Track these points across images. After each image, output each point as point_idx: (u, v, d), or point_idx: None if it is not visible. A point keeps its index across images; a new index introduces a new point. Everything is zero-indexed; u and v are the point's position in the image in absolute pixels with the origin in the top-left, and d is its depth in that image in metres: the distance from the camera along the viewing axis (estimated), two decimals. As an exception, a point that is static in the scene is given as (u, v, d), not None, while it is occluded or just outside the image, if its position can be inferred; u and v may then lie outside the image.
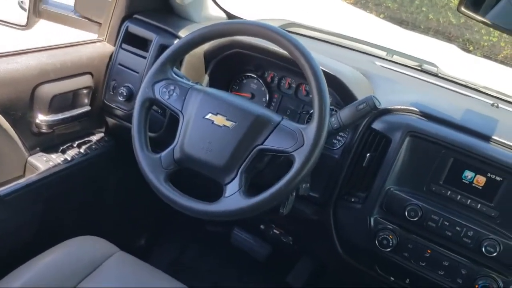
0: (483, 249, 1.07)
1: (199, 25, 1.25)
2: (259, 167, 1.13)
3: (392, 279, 1.20)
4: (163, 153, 1.10)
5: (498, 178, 1.08)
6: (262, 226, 1.48)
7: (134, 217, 1.87)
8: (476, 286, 1.08)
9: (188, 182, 1.21)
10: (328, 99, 1.00)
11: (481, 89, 1.55)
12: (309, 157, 0.99)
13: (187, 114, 1.10)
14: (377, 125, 1.18)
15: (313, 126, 1.00)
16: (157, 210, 1.93)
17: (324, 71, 1.04)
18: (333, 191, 1.23)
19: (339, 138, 1.29)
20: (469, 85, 1.57)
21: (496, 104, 1.41)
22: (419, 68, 1.62)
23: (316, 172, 1.17)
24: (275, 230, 1.46)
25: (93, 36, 1.53)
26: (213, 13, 1.64)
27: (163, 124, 1.38)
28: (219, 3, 1.68)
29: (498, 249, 1.06)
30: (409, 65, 1.65)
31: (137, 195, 1.73)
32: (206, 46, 1.31)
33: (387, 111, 1.19)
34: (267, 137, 1.04)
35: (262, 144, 1.04)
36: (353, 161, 1.20)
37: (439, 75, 1.59)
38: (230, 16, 1.68)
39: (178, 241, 2.01)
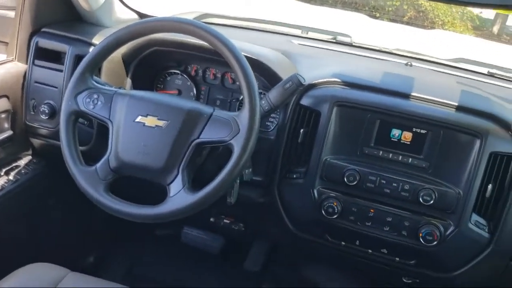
0: (421, 199, 1.14)
1: (112, 29, 1.22)
2: (199, 161, 1.13)
3: (343, 243, 1.25)
4: (98, 164, 1.08)
5: (422, 131, 1.15)
6: (212, 219, 1.49)
7: (80, 235, 1.81)
8: (420, 234, 1.16)
9: (131, 190, 1.19)
10: (255, 84, 1.02)
11: (393, 51, 1.64)
12: (247, 142, 1.00)
13: (116, 121, 1.08)
14: (305, 101, 1.22)
15: (245, 112, 1.01)
16: (103, 224, 1.88)
17: (246, 57, 1.05)
18: (274, 172, 1.26)
19: (272, 119, 1.32)
20: (382, 49, 1.65)
21: (409, 63, 1.50)
22: (334, 41, 1.68)
23: (256, 156, 1.19)
24: (225, 220, 1.47)
25: (1, 57, 1.45)
26: (124, 16, 1.60)
27: (92, 135, 1.35)
28: (128, 4, 1.65)
29: (433, 197, 1.13)
30: (324, 39, 1.71)
31: (79, 212, 1.67)
32: (123, 49, 1.28)
33: (312, 86, 1.23)
34: (202, 130, 1.04)
35: (198, 138, 1.04)
36: (288, 139, 1.23)
37: (353, 44, 1.66)
38: (142, 16, 1.65)
39: (129, 251, 1.97)
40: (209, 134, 1.04)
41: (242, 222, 1.46)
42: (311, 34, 1.76)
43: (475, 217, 1.15)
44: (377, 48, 1.67)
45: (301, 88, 1.10)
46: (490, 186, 1.12)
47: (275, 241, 1.75)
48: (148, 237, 2.00)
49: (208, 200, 1.01)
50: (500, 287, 1.25)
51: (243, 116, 1.01)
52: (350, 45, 1.67)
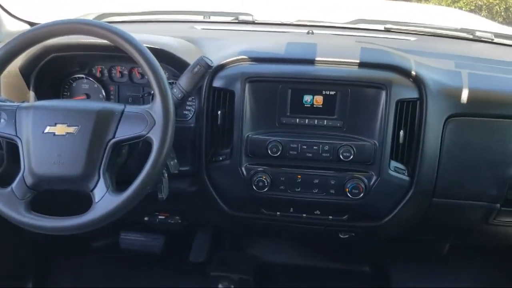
0: (341, 156, 1.19)
1: (2, 43, 1.16)
2: (121, 161, 1.11)
3: (278, 213, 1.29)
4: (14, 184, 1.03)
5: (332, 93, 1.20)
6: (146, 218, 1.47)
7: (12, 263, 1.72)
8: (346, 189, 1.21)
9: (57, 204, 1.15)
10: (162, 72, 1.01)
11: (295, 23, 1.68)
12: (165, 133, 0.99)
13: (24, 136, 1.03)
14: (217, 83, 1.23)
15: (157, 102, 1.00)
16: (35, 247, 1.79)
17: (149, 48, 1.04)
18: (200, 158, 1.26)
19: (189, 107, 1.32)
20: (284, 22, 1.69)
21: (311, 32, 1.55)
22: (237, 21, 1.70)
23: (180, 146, 1.19)
24: (160, 216, 1.46)
25: None
26: (15, 28, 1.52)
27: (3, 157, 1.27)
28: (17, 15, 1.56)
29: (352, 152, 1.19)
30: (226, 21, 1.73)
31: (4, 239, 1.59)
32: (19, 61, 1.22)
33: (221, 67, 1.24)
34: (116, 129, 1.02)
35: (113, 137, 1.02)
36: (208, 123, 1.24)
37: (256, 22, 1.69)
38: (33, 24, 1.57)
39: (68, 270, 1.90)
40: (125, 131, 1.02)
41: (178, 215, 1.45)
42: (213, 18, 1.77)
43: (393, 163, 1.22)
44: (279, 22, 1.72)
45: (210, 70, 1.11)
46: (402, 133, 1.19)
47: (215, 227, 1.76)
48: (85, 251, 1.94)
49: (136, 199, 0.99)
50: (424, 221, 1.34)
51: (156, 107, 1.00)
52: (252, 23, 1.69)
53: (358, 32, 1.65)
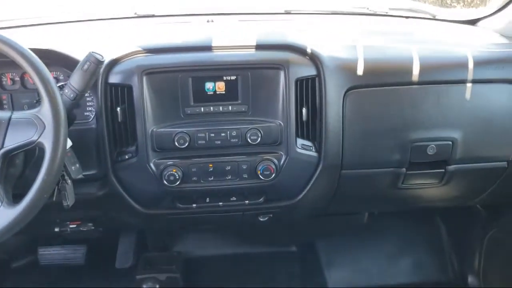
0: (249, 140, 1.19)
1: None
2: (16, 172, 1.04)
3: (195, 205, 1.27)
4: None
5: (233, 78, 1.20)
6: (56, 229, 1.39)
7: None
8: (259, 172, 1.22)
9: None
10: (46, 72, 0.96)
11: (195, 12, 1.66)
12: (56, 136, 0.94)
13: None
14: (113, 79, 1.18)
15: (45, 104, 0.95)
16: None
17: (35, 49, 0.99)
18: (106, 159, 1.21)
19: (90, 108, 1.25)
20: (184, 13, 1.67)
21: (211, 20, 1.53)
22: (136, 15, 1.65)
23: (83, 150, 1.15)
24: (71, 226, 1.39)
25: None
26: None
27: None
28: None
29: (260, 135, 1.19)
30: (124, 16, 1.67)
31: None
32: None
33: (115, 62, 1.19)
34: (4, 138, 0.96)
35: (2, 147, 0.96)
36: (109, 122, 1.19)
37: (155, 15, 1.65)
38: None
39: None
40: (14, 139, 0.96)
41: (90, 221, 1.39)
42: (110, 15, 1.71)
43: (300, 141, 1.24)
44: (179, 14, 1.69)
45: (101, 66, 1.06)
46: (304, 110, 1.22)
47: (134, 229, 1.71)
48: (5, 273, 1.82)
49: (34, 209, 0.94)
50: (338, 194, 1.38)
51: (45, 110, 0.95)
52: (152, 16, 1.65)
53: (258, 16, 1.66)
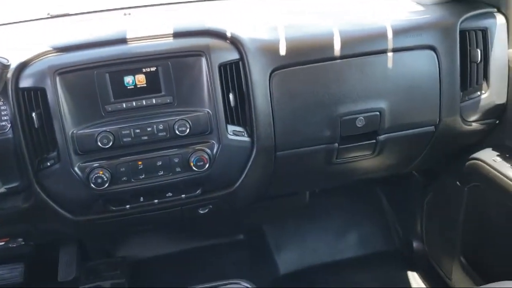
0: (178, 132, 1.15)
1: None
2: None
3: (128, 206, 1.22)
4: None
5: (153, 69, 1.15)
6: None
7: None
8: (192, 164, 1.18)
9: None
10: None
11: (110, 8, 1.59)
12: None
13: None
14: (23, 83, 1.11)
15: None
16: None
17: None
18: (27, 169, 1.14)
19: (4, 118, 1.16)
20: (97, 10, 1.59)
21: (128, 13, 1.47)
22: (49, 16, 1.56)
23: (2, 162, 1.09)
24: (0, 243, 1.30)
25: None
26: None
27: None
28: None
29: (188, 126, 1.16)
30: (38, 17, 1.58)
31: None
32: None
33: (24, 65, 1.11)
34: None
35: None
36: (25, 130, 1.11)
37: (70, 13, 1.57)
38: None
39: None
40: None
41: (20, 236, 1.31)
42: (21, 17, 1.61)
43: (231, 128, 1.21)
44: (96, 10, 1.61)
45: (7, 70, 0.99)
46: (231, 96, 1.19)
47: (72, 239, 1.64)
48: None
49: None
50: (276, 176, 1.37)
51: None
52: (67, 15, 1.57)
53: (179, 6, 1.62)
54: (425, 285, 1.83)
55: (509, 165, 1.33)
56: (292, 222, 2.00)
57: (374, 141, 1.34)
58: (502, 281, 1.14)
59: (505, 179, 1.30)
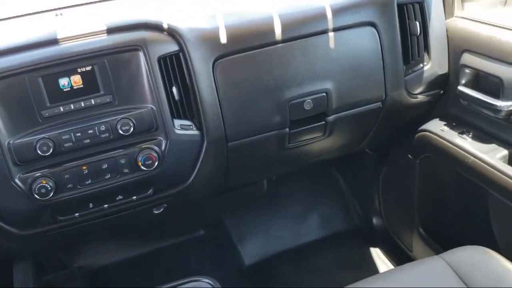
0: (121, 131, 1.11)
1: None
2: None
3: (77, 214, 1.17)
4: None
5: (88, 69, 1.09)
6: None
7: None
8: (140, 163, 1.14)
9: None
10: None
11: (40, 10, 1.51)
12: None
13: None
14: None
15: None
16: None
17: None
18: None
19: None
20: (27, 13, 1.51)
21: (59, 14, 1.40)
22: None
23: None
24: None
25: None
26: None
27: None
28: None
29: (132, 124, 1.11)
30: None
31: None
32: None
33: None
34: None
35: None
36: None
37: None
38: None
39: None
40: None
41: None
42: None
43: (178, 122, 1.18)
44: (26, 13, 1.52)
45: None
46: (175, 89, 1.16)
47: (25, 255, 1.56)
48: None
49: None
50: (231, 167, 1.35)
51: None
52: None
53: (112, 2, 1.55)
54: (388, 260, 1.86)
55: (456, 133, 1.36)
56: (253, 212, 1.99)
57: (324, 122, 1.33)
58: (459, 247, 1.16)
59: (453, 147, 1.32)
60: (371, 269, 1.82)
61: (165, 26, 1.15)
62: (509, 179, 1.16)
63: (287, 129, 1.30)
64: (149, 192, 1.22)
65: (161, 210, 1.30)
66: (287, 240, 1.94)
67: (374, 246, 1.94)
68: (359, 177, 2.01)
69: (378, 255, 1.90)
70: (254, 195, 1.98)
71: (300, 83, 1.25)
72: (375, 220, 1.96)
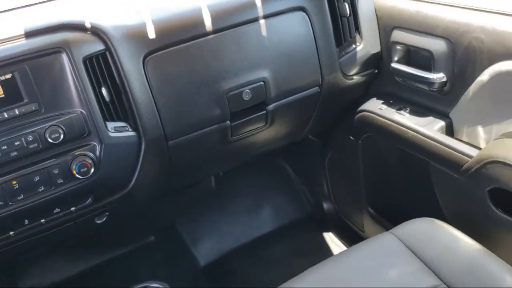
0: (51, 140, 1.04)
1: None
2: None
3: (12, 233, 1.09)
4: None
5: (8, 76, 1.02)
6: None
7: None
8: (74, 172, 1.08)
9: None
10: None
11: None
12: None
13: None
14: None
15: None
16: None
17: None
18: None
19: None
20: None
21: None
22: None
23: None
24: None
25: None
26: None
27: None
28: None
29: (62, 131, 1.05)
30: None
31: None
32: None
33: None
34: None
35: None
36: None
37: None
38: None
39: None
40: None
41: None
42: None
43: (111, 124, 1.12)
44: None
45: None
46: (104, 90, 1.10)
47: None
48: None
49: None
50: (175, 167, 1.30)
51: None
52: None
53: (32, 6, 1.46)
54: (342, 242, 1.88)
55: (394, 110, 1.38)
56: (203, 212, 1.95)
57: (265, 112, 1.32)
58: (408, 221, 1.18)
59: (392, 124, 1.34)
60: (326, 253, 1.83)
61: (87, 25, 1.09)
62: (448, 149, 1.19)
63: (228, 122, 1.27)
64: (88, 201, 1.15)
65: (104, 219, 1.24)
66: (241, 236, 1.92)
67: (327, 230, 1.95)
68: (306, 164, 2.02)
69: (331, 239, 1.91)
70: (202, 194, 1.94)
71: (236, 73, 1.22)
72: (325, 205, 1.97)
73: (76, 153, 1.08)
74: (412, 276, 1.03)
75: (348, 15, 1.34)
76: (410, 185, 1.50)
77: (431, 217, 1.17)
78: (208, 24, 1.19)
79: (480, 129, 1.19)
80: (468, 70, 1.18)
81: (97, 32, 1.09)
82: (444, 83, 1.24)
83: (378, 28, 1.40)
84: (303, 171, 2.07)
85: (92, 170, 1.09)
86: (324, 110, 1.47)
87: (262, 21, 1.24)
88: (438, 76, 1.24)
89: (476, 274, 1.00)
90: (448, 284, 1.00)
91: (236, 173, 1.91)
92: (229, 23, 1.21)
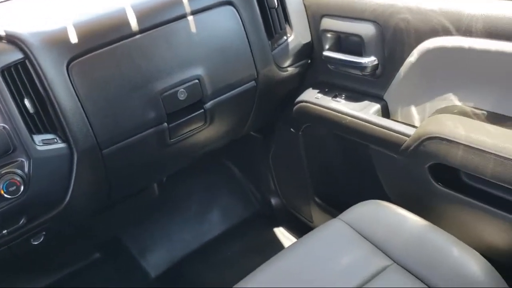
0: None
1: None
2: None
3: None
4: None
5: None
6: None
7: None
8: (3, 192, 1.00)
9: None
10: None
11: None
12: None
13: None
14: None
15: None
16: None
17: None
18: None
19: None
20: None
21: None
22: None
23: None
24: None
25: None
26: None
27: None
28: None
29: None
30: None
31: None
32: None
33: None
34: None
35: None
36: None
37: None
38: None
39: None
40: None
41: None
42: None
43: (38, 138, 1.05)
44: None
45: None
46: (27, 102, 1.03)
47: None
48: None
49: None
50: (113, 177, 1.24)
51: None
52: None
53: None
54: (293, 236, 1.88)
55: (330, 98, 1.39)
56: (150, 221, 1.88)
57: (202, 110, 1.28)
58: (354, 205, 1.19)
59: (329, 111, 1.35)
60: (278, 248, 1.80)
61: (2, 33, 1.02)
62: (386, 130, 1.21)
63: (166, 124, 1.23)
64: (21, 222, 1.07)
65: (41, 239, 1.16)
66: (191, 242, 1.87)
67: (277, 225, 1.94)
68: (251, 161, 2.00)
69: (282, 234, 1.91)
70: (146, 203, 1.87)
71: (169, 72, 1.18)
72: (273, 201, 1.96)
73: (3, 172, 1.00)
74: (363, 259, 1.03)
75: (276, 6, 1.33)
76: (353, 171, 1.52)
77: (376, 199, 1.18)
78: (134, 24, 1.14)
79: (414, 108, 1.22)
80: (397, 51, 1.21)
81: (13, 40, 1.02)
82: (376, 66, 1.26)
83: (307, 18, 1.40)
84: (248, 169, 2.05)
85: (22, 188, 1.01)
86: (263, 104, 1.46)
87: (190, 18, 1.21)
88: (369, 60, 1.26)
89: (424, 249, 1.02)
90: (398, 262, 1.01)
91: (179, 177, 1.86)
92: (156, 21, 1.17)
